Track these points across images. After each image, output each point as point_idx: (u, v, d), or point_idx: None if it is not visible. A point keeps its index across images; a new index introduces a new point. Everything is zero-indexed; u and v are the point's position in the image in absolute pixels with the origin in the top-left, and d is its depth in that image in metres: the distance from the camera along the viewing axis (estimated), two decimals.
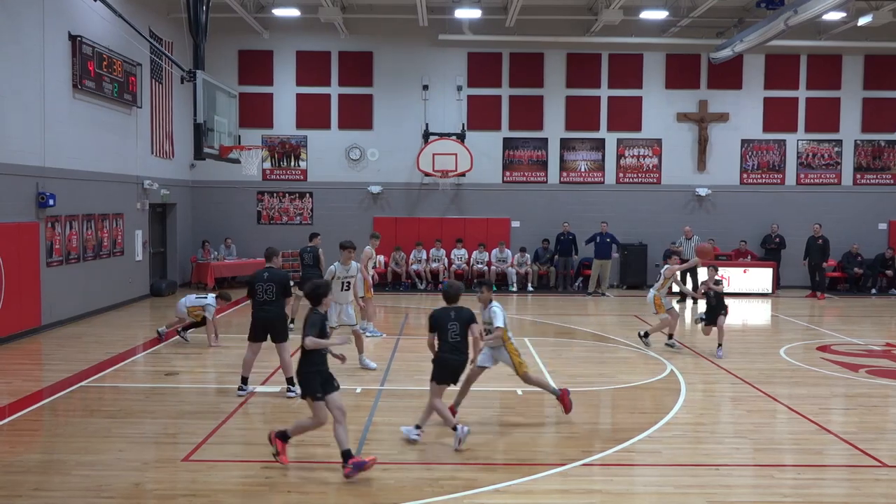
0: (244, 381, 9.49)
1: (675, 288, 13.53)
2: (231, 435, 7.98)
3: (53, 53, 13.99)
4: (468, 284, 20.91)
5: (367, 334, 12.92)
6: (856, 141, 21.92)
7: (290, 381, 9.29)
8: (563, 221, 20.93)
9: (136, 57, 16.98)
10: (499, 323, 8.06)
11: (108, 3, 12.87)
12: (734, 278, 20.12)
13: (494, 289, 20.19)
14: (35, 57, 13.41)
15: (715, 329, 12.20)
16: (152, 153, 18.64)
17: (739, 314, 17.57)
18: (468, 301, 7.92)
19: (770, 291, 20.16)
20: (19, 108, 12.97)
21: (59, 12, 14.19)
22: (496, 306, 8.26)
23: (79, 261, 15.03)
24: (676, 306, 14.37)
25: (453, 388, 7.93)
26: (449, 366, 7.66)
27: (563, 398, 8.48)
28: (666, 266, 13.00)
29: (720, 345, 12.14)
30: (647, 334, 12.86)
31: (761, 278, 20.32)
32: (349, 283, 10.92)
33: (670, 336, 12.66)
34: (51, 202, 13.58)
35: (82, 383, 10.04)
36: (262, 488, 6.51)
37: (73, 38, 14.52)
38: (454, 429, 7.47)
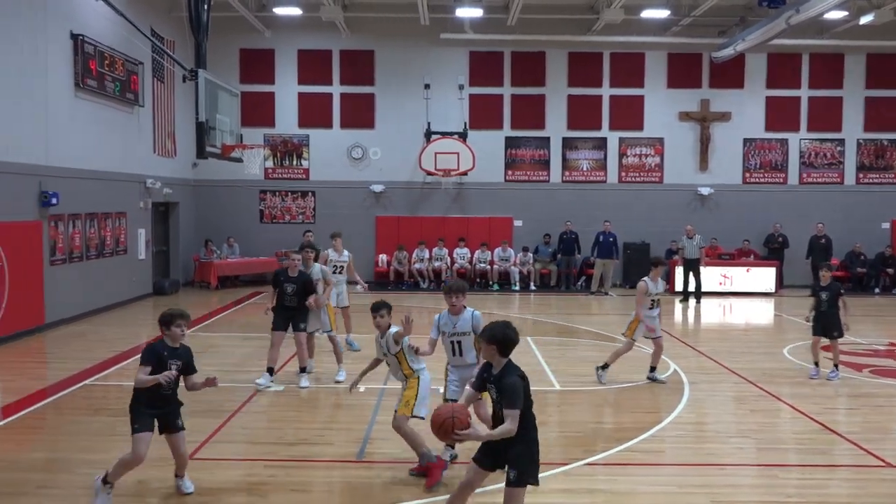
0: None
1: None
2: (235, 433, 7.99)
3: (55, 53, 13.99)
4: (471, 283, 20.98)
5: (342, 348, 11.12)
6: (858, 140, 21.89)
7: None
8: (566, 220, 20.93)
9: (138, 56, 16.98)
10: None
11: (109, 2, 12.87)
12: (737, 278, 20.15)
13: (497, 287, 20.58)
14: (38, 56, 13.41)
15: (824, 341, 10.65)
16: (155, 152, 18.64)
17: (742, 313, 17.57)
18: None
19: (773, 291, 20.13)
20: (22, 107, 12.98)
21: (61, 12, 14.18)
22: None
23: (82, 259, 15.03)
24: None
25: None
26: None
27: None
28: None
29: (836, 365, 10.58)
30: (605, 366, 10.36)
31: (764, 278, 20.29)
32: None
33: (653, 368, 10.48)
34: (54, 201, 13.59)
35: (86, 382, 10.05)
36: (264, 487, 6.51)
37: (74, 37, 14.52)
38: None
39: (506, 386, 4.90)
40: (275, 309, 10.00)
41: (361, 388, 9.77)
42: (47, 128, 13.74)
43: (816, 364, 10.70)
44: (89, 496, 6.22)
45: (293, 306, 9.89)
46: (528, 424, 4.97)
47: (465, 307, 6.96)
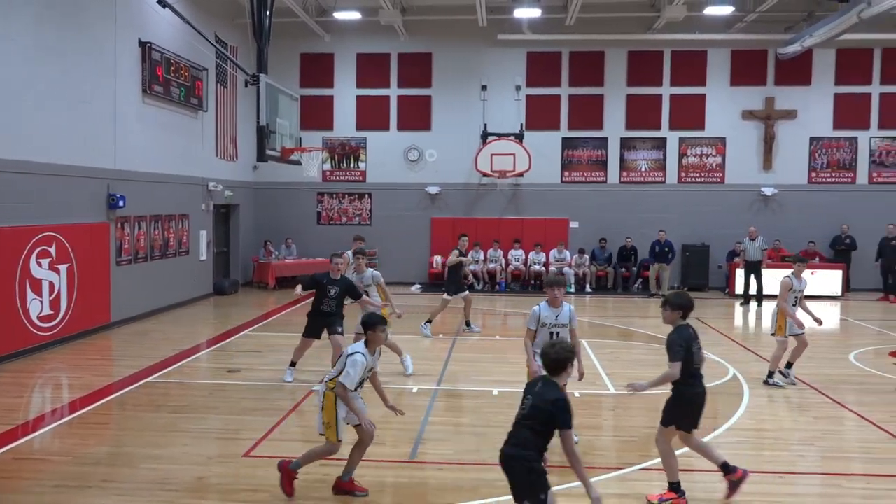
0: None
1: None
2: (290, 432, 8.12)
3: (124, 60, 14.46)
4: (525, 285, 20.90)
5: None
6: None
7: None
8: (626, 237, 20.75)
9: (202, 62, 17.43)
10: None
11: (176, 10, 13.26)
12: None
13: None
14: (107, 63, 13.89)
15: None
16: (217, 155, 19.10)
17: (806, 317, 17.00)
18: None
19: (839, 294, 19.44)
20: (92, 112, 13.46)
21: (131, 20, 14.65)
22: None
23: (146, 260, 15.51)
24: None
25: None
26: None
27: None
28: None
29: None
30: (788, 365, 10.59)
31: (830, 281, 19.60)
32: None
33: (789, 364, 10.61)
34: (121, 203, 14.06)
35: (149, 379, 10.36)
36: (320, 485, 6.60)
37: (143, 44, 14.99)
38: None
39: (667, 342, 6.17)
40: (309, 314, 10.05)
41: (415, 388, 9.86)
42: (116, 133, 14.21)
43: None
44: (151, 490, 6.43)
45: (331, 312, 9.80)
46: (683, 376, 6.23)
47: (562, 301, 7.50)
